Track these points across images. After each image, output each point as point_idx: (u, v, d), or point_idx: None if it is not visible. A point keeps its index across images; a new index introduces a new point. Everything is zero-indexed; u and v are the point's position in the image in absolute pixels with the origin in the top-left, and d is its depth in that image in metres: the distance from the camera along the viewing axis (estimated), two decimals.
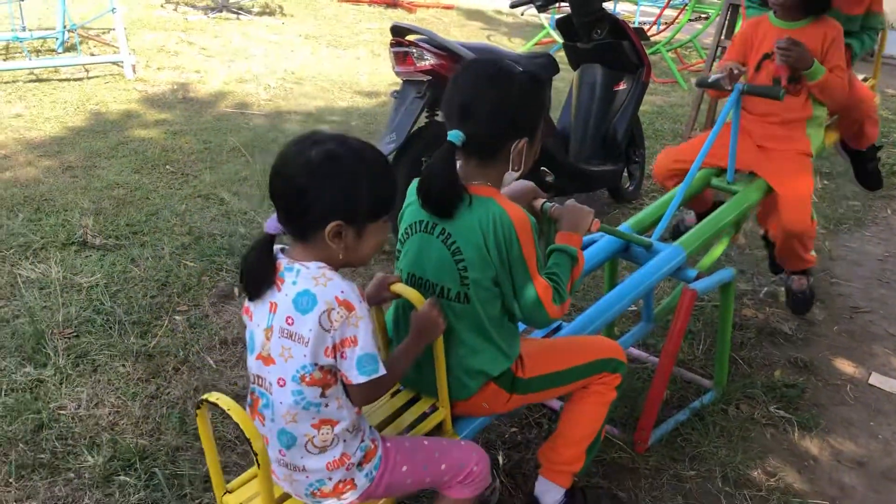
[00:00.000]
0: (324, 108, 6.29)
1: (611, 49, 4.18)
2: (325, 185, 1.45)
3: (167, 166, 4.70)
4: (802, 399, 2.83)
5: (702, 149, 2.75)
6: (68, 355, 2.73)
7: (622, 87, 4.32)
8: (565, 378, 1.98)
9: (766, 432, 2.64)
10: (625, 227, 2.70)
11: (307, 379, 1.50)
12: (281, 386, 1.52)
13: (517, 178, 1.86)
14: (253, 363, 1.59)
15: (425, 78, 3.50)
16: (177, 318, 3.02)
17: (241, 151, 5.03)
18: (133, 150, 4.94)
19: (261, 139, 5.32)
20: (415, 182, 1.82)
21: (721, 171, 3.03)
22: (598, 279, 3.46)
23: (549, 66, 4.05)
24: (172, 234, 3.73)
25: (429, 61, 3.45)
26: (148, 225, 3.83)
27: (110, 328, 2.92)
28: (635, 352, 2.90)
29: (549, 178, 3.89)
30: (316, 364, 1.49)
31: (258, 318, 1.56)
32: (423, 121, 3.64)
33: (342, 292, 1.47)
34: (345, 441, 1.58)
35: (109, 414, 2.46)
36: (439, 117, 3.76)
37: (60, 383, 2.59)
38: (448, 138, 1.68)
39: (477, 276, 1.75)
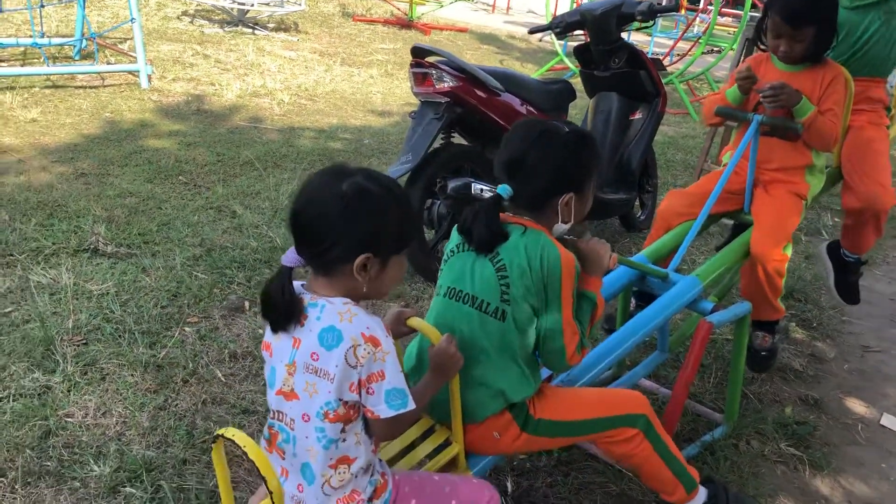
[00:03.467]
0: (336, 126, 6.31)
1: (628, 78, 4.20)
2: (356, 218, 1.46)
3: (180, 177, 4.71)
4: (813, 437, 2.80)
5: (716, 186, 2.73)
6: (77, 362, 2.71)
7: (637, 116, 4.33)
8: (581, 429, 1.99)
9: (776, 469, 2.61)
10: (640, 257, 2.69)
11: (331, 415, 1.49)
12: (305, 421, 1.52)
13: (567, 230, 1.91)
14: (273, 398, 1.58)
15: (443, 100, 3.51)
16: (187, 329, 3.01)
17: (254, 165, 5.04)
18: (146, 159, 4.95)
19: (273, 154, 5.33)
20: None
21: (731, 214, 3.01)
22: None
23: (566, 92, 4.07)
24: (184, 245, 3.73)
25: (448, 83, 3.47)
26: (160, 235, 3.83)
27: (120, 337, 2.91)
28: (647, 383, 2.88)
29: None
30: (340, 399, 1.48)
31: (280, 353, 1.55)
32: (438, 142, 3.65)
33: (368, 328, 1.47)
34: (356, 478, 1.57)
35: (117, 424, 2.45)
36: (455, 138, 3.77)
37: (68, 390, 2.58)
38: (497, 191, 1.81)
39: (517, 296, 1.80)
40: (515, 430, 1.89)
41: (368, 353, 1.46)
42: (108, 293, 3.21)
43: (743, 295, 2.87)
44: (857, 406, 3.06)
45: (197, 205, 4.29)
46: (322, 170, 1.54)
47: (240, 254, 3.67)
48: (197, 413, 2.53)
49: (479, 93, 3.55)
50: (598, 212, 4.19)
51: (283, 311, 1.52)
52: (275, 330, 1.56)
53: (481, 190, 3.52)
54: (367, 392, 1.48)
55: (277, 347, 1.56)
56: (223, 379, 2.73)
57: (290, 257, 1.51)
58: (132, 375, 2.69)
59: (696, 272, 2.60)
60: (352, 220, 1.46)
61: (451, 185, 3.47)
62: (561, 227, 1.87)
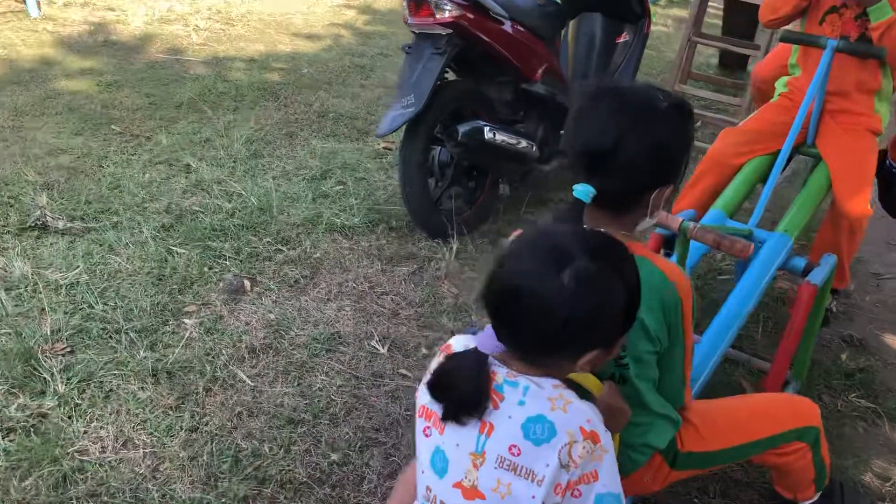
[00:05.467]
0: (266, 54, 5.68)
1: None
2: (584, 320, 1.14)
3: (112, 126, 4.08)
4: (875, 384, 2.69)
5: (795, 121, 2.46)
6: (69, 378, 2.24)
7: (624, 38, 4.01)
8: (738, 454, 1.71)
9: (857, 426, 2.48)
10: (716, 214, 2.42)
11: None
12: None
13: (652, 225, 1.56)
14: (446, 490, 1.23)
15: (445, 31, 3.07)
16: (186, 321, 2.56)
17: (193, 106, 4.44)
18: (66, 105, 4.27)
19: (209, 91, 4.72)
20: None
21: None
22: None
23: (561, 14, 3.69)
24: (147, 213, 3.20)
25: (450, 12, 3.02)
26: (114, 201, 3.27)
27: (111, 339, 2.43)
28: (732, 352, 2.65)
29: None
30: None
31: (457, 435, 1.22)
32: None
33: (588, 421, 1.17)
34: None
35: (146, 457, 2.02)
36: (450, 76, 3.35)
37: (69, 417, 2.12)
38: (574, 194, 1.34)
39: (636, 354, 1.46)
40: (665, 470, 1.62)
41: (587, 451, 1.15)
42: (78, 282, 2.69)
43: (816, 248, 2.67)
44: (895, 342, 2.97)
45: (143, 160, 3.72)
46: (528, 240, 1.20)
47: (215, 219, 3.19)
48: (236, 431, 2.13)
49: (485, 22, 3.13)
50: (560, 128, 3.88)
51: (470, 401, 1.19)
52: (449, 418, 1.22)
53: (494, 134, 3.16)
54: (573, 495, 1.17)
55: (454, 426, 1.21)
56: (250, 382, 2.33)
57: (488, 343, 1.19)
58: (142, 389, 2.24)
59: (783, 226, 2.36)
60: (579, 322, 1.14)
61: (462, 130, 3.09)
62: (647, 223, 1.50)
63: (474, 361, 1.19)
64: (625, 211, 1.44)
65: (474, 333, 1.31)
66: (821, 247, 2.62)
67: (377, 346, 2.56)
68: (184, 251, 2.94)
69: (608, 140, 1.36)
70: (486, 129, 3.13)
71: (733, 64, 6.56)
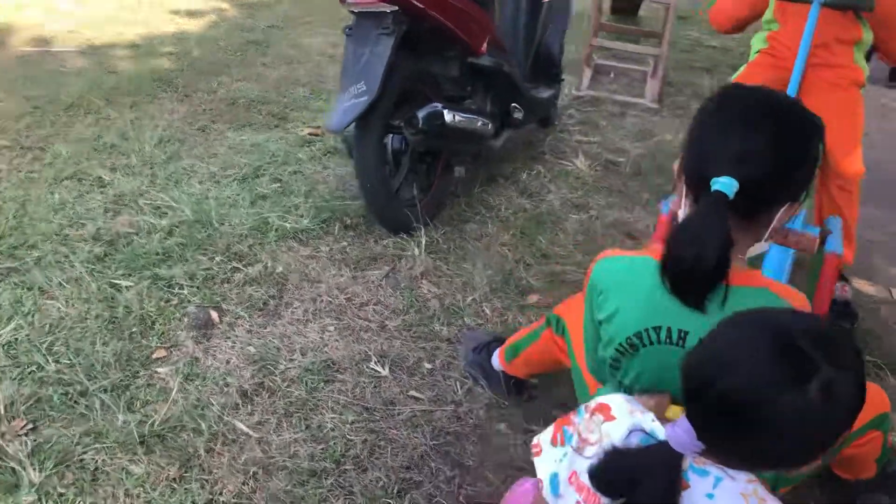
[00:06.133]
0: (148, 37, 5.17)
1: None
2: (831, 433, 1.01)
3: None
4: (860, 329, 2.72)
5: (792, 79, 2.37)
6: (41, 462, 1.91)
7: None
8: (826, 459, 1.62)
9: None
10: None
11: None
12: None
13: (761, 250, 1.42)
14: None
15: (390, 9, 2.80)
16: (160, 370, 2.25)
17: (86, 107, 3.96)
18: None
19: (98, 87, 4.23)
20: (618, 265, 1.39)
21: None
22: None
23: None
24: (70, 242, 2.81)
25: None
26: (27, 232, 2.85)
27: (77, 405, 2.10)
28: None
29: (516, 119, 3.41)
30: None
31: None
32: None
33: None
34: None
35: None
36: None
37: None
38: (715, 187, 1.20)
39: None
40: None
41: None
42: (16, 339, 2.31)
43: (816, 217, 2.64)
44: (867, 287, 3.02)
45: (45, 177, 3.27)
46: (746, 337, 1.03)
47: (154, 241, 2.83)
48: (256, 495, 1.88)
49: None
50: (529, 114, 3.73)
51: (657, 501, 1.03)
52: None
53: (454, 116, 2.95)
54: None
55: None
56: (253, 433, 2.06)
57: (684, 441, 1.04)
58: (133, 462, 1.94)
59: None
60: (821, 441, 1.01)
61: (422, 115, 2.86)
62: (760, 247, 1.39)
63: (667, 464, 1.03)
64: (751, 221, 1.30)
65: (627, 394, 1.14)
66: (820, 215, 2.59)
67: (377, 367, 2.34)
68: (130, 284, 2.59)
69: (763, 137, 1.24)
70: (446, 112, 2.91)
71: (625, 9, 6.57)
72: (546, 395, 2.26)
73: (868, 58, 2.91)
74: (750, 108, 1.28)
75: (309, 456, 2.01)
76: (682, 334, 1.31)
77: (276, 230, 2.98)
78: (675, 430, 1.03)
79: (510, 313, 2.65)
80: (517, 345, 2.12)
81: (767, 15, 2.62)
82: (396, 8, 2.77)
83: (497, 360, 2.22)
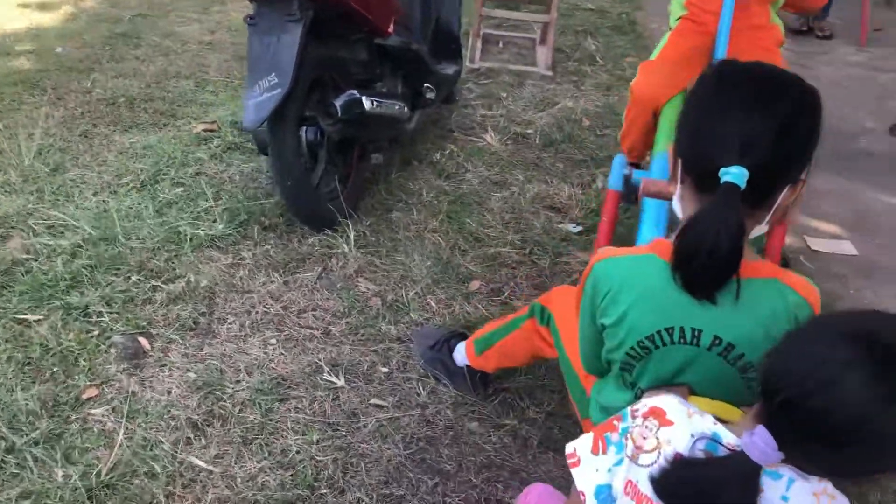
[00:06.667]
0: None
1: None
2: None
3: None
4: None
5: (718, 45, 2.37)
6: None
7: None
8: None
9: None
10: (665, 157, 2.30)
11: None
12: None
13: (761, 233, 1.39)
14: None
15: None
16: (94, 412, 2.03)
17: None
18: None
19: None
20: (621, 265, 1.33)
21: None
22: None
23: None
24: None
25: None
26: None
27: (5, 463, 1.87)
28: None
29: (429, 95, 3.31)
30: None
31: None
32: None
33: None
34: None
35: None
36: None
37: None
38: (726, 178, 1.16)
39: None
40: None
41: None
42: None
43: None
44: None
45: None
46: (849, 344, 0.96)
47: (57, 266, 2.56)
48: None
49: None
50: (439, 93, 3.61)
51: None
52: None
53: (373, 103, 2.81)
54: None
55: None
56: (212, 468, 1.90)
57: (765, 452, 0.98)
58: None
59: None
60: None
61: (340, 104, 2.71)
62: (761, 229, 1.35)
63: (744, 475, 0.97)
64: (758, 208, 1.25)
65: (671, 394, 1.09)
66: None
67: (331, 378, 2.21)
68: (39, 318, 2.33)
69: (774, 121, 1.19)
70: (364, 98, 2.76)
71: None
72: (511, 386, 2.20)
73: None
74: (751, 89, 1.23)
75: (279, 485, 1.87)
76: (696, 332, 1.27)
77: (191, 239, 2.76)
78: (753, 440, 0.98)
79: (455, 303, 2.57)
80: (491, 335, 2.03)
81: None
82: None
83: (463, 355, 2.13)
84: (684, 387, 1.30)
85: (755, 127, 1.19)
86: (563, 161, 3.60)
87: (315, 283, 2.62)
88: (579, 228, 3.04)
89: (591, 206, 3.20)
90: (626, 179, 2.26)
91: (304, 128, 2.85)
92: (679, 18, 2.64)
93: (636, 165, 2.69)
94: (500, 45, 5.17)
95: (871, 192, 3.56)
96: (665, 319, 1.27)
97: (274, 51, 2.60)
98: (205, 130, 3.61)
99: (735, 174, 1.16)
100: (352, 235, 2.82)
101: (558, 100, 4.27)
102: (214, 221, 2.88)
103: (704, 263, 1.17)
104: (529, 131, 3.86)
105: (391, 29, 3.02)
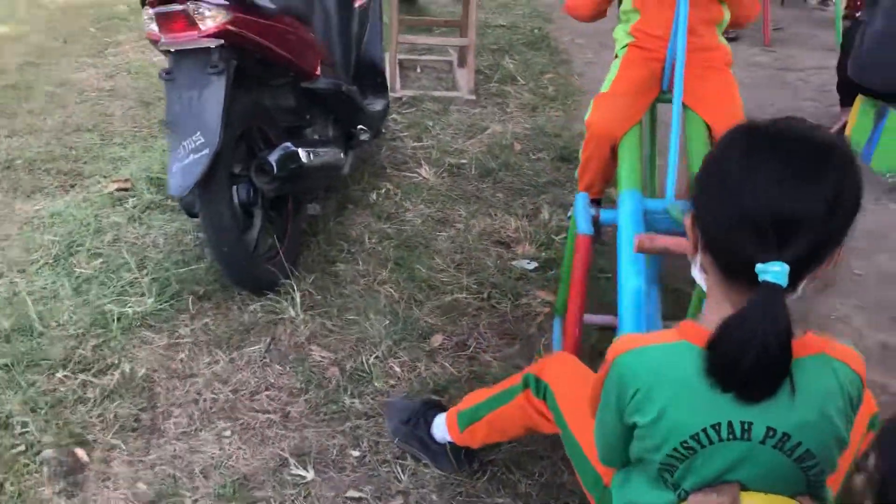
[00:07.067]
0: None
1: None
2: None
3: None
4: None
5: (676, 74, 2.25)
6: None
7: (362, 3, 3.54)
8: None
9: None
10: (631, 194, 2.18)
11: None
12: None
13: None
14: None
15: (214, 44, 2.39)
16: None
17: None
18: None
19: None
20: (651, 357, 1.19)
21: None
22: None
23: None
24: None
25: (217, 19, 2.35)
26: None
27: None
28: None
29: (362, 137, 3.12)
30: None
31: None
32: None
33: None
34: None
35: None
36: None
37: None
38: (766, 278, 1.04)
39: (832, 463, 1.19)
40: None
41: None
42: None
43: None
44: None
45: None
46: None
47: None
48: None
49: (257, 21, 2.50)
50: (370, 132, 3.40)
51: None
52: None
53: (309, 155, 2.62)
54: None
55: None
56: None
57: None
58: None
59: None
60: None
61: (275, 160, 2.51)
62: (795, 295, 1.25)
63: None
64: (798, 283, 1.13)
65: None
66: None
67: (299, 471, 1.99)
68: None
69: (818, 200, 1.05)
70: (301, 151, 2.56)
71: None
72: (498, 458, 2.04)
73: None
74: (787, 158, 1.09)
75: None
76: (746, 426, 1.13)
77: (119, 320, 2.50)
78: None
79: (420, 364, 2.39)
80: (477, 409, 1.85)
81: (626, 5, 2.52)
82: (222, 42, 2.38)
83: (444, 430, 1.95)
84: (735, 485, 1.16)
85: (796, 209, 1.06)
86: (502, 191, 3.47)
87: (264, 357, 2.40)
88: (534, 265, 2.91)
89: (541, 239, 3.08)
90: (595, 221, 2.14)
91: (236, 187, 2.62)
92: (626, 46, 2.53)
93: (597, 202, 2.58)
94: (419, 69, 5.03)
95: None
96: (710, 415, 1.14)
97: (197, 107, 2.38)
98: (118, 189, 3.31)
99: (776, 273, 1.04)
100: (297, 297, 2.61)
101: (486, 124, 4.15)
102: (143, 296, 2.62)
103: (753, 372, 1.07)
104: (464, 161, 3.72)
105: (318, 71, 2.82)
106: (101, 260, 2.83)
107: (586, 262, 2.07)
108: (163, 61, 2.65)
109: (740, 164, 1.11)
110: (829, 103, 4.63)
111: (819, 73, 5.22)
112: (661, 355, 1.19)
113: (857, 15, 5.27)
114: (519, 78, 4.85)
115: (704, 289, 1.23)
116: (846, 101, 4.25)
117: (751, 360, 1.05)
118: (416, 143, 3.90)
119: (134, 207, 3.19)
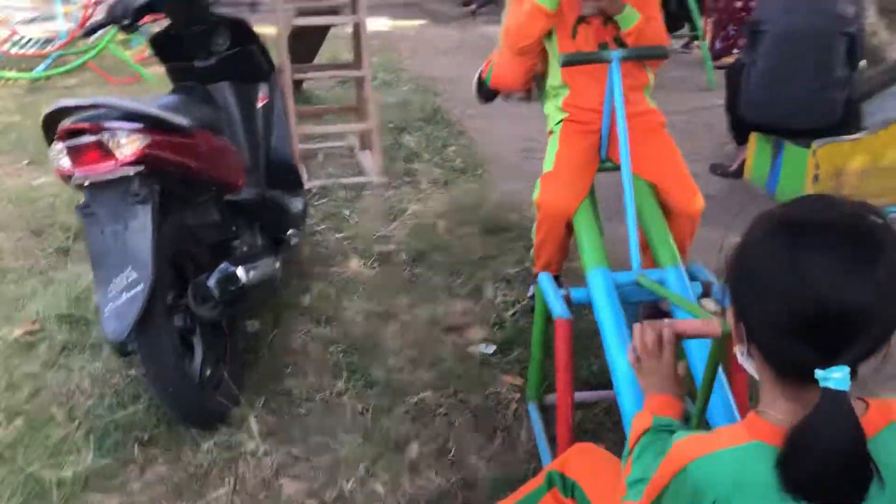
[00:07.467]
0: None
1: (240, 59, 3.22)
2: None
3: None
4: None
5: (621, 147, 2.24)
6: None
7: (263, 100, 3.42)
8: None
9: None
10: (600, 272, 2.14)
11: None
12: None
13: None
14: None
15: (133, 171, 2.22)
16: None
17: None
18: None
19: None
20: (724, 463, 1.09)
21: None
22: None
23: (205, 98, 2.97)
24: None
25: (135, 144, 2.19)
26: None
27: None
28: None
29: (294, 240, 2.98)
30: None
31: None
32: None
33: None
34: None
35: None
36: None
37: None
38: (827, 385, 0.98)
39: None
40: None
41: None
42: None
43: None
44: None
45: None
46: None
47: None
48: None
49: (174, 142, 2.34)
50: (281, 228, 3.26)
51: None
52: None
53: (248, 272, 2.46)
54: None
55: None
56: None
57: None
58: None
59: (663, 260, 2.19)
60: None
61: (212, 283, 2.34)
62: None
63: None
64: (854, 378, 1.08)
65: None
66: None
67: None
68: None
69: (873, 293, 0.98)
70: (239, 270, 2.40)
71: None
72: None
73: None
74: (838, 248, 1.01)
75: None
76: None
77: (58, 485, 2.22)
78: None
79: (404, 480, 2.23)
80: None
81: (554, 80, 2.52)
82: (142, 168, 2.21)
83: None
84: None
85: (852, 307, 0.98)
86: (439, 273, 3.39)
87: (232, 502, 2.18)
88: (492, 348, 2.83)
89: (492, 319, 3.00)
90: (567, 301, 2.08)
91: (173, 317, 2.43)
92: (560, 122, 2.53)
93: (556, 280, 2.53)
94: (320, 157, 4.93)
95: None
96: None
97: (123, 241, 2.20)
98: (25, 334, 3.02)
99: (839, 380, 0.97)
100: (253, 426, 2.41)
101: (404, 206, 4.09)
102: (79, 452, 2.35)
103: (837, 484, 1.00)
104: (391, 247, 3.63)
105: (241, 181, 2.69)
106: (21, 419, 2.53)
107: (569, 345, 2.00)
108: (45, 185, 2.45)
109: (782, 260, 1.04)
110: (721, 141, 4.82)
111: (700, 113, 5.43)
112: (736, 460, 1.11)
113: (736, 55, 5.57)
114: (423, 154, 4.83)
115: (755, 376, 1.18)
116: (741, 140, 4.44)
117: (834, 478, 0.99)
118: (337, 235, 3.77)
119: (47, 351, 2.90)
